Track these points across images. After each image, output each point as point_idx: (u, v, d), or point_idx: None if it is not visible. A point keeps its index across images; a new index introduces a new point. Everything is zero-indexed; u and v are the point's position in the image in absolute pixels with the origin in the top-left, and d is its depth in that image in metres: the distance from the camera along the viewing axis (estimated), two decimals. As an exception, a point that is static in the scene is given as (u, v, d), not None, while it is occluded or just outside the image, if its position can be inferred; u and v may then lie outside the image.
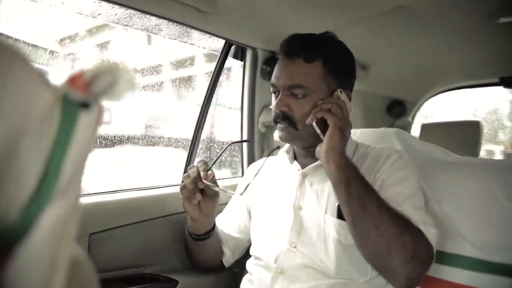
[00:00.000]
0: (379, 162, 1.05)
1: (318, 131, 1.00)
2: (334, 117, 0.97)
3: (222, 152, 1.21)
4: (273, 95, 1.10)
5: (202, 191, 1.12)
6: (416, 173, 1.04)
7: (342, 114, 0.98)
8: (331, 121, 0.97)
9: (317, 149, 1.00)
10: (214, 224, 1.23)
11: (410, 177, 1.01)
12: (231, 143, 1.30)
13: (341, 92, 1.03)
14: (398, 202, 0.92)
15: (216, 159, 1.18)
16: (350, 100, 1.06)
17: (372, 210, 0.87)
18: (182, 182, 1.12)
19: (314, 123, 0.99)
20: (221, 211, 1.34)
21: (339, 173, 0.93)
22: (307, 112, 1.01)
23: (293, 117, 1.03)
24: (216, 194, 1.15)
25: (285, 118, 1.03)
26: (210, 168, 1.11)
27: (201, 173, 1.09)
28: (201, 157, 1.76)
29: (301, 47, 1.04)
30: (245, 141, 1.30)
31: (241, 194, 1.14)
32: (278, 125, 1.07)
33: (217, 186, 1.11)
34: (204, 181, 1.09)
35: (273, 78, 1.08)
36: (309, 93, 1.02)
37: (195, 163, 1.13)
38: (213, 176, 1.12)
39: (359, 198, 0.89)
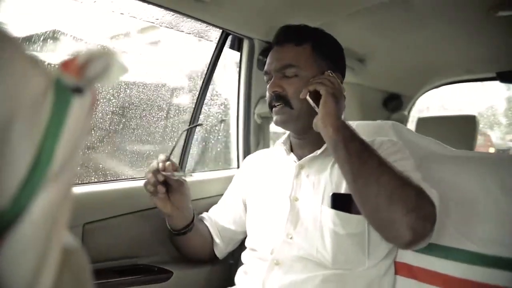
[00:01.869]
0: None
1: (313, 103, 1.01)
2: (326, 86, 0.99)
3: (177, 142, 1.17)
4: (268, 84, 1.12)
5: (167, 184, 1.10)
6: (410, 157, 1.04)
7: (333, 85, 1.00)
8: (323, 90, 0.98)
9: (314, 120, 1.00)
10: (193, 219, 1.20)
11: (404, 158, 1.02)
12: (186, 129, 1.27)
13: (331, 73, 1.06)
14: None
15: (172, 150, 1.13)
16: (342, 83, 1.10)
17: (373, 164, 0.87)
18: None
19: (307, 97, 1.01)
20: (216, 203, 1.34)
21: (336, 133, 0.93)
22: (300, 89, 1.03)
23: (286, 96, 1.07)
24: (181, 185, 1.13)
25: (279, 98, 1.07)
26: (169, 158, 1.09)
27: (160, 164, 1.07)
28: (196, 147, 1.75)
29: (291, 34, 1.11)
30: (198, 125, 1.28)
31: (184, 177, 1.11)
32: (274, 109, 1.10)
33: (183, 175, 1.09)
34: (162, 172, 1.06)
35: (265, 66, 1.13)
36: (300, 72, 1.07)
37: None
38: (176, 166, 1.10)
39: (358, 155, 0.89)
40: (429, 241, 0.91)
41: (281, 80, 1.08)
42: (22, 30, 1.21)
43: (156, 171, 1.07)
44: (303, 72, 1.06)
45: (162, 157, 1.08)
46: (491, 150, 4.52)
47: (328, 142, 0.96)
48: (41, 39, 1.23)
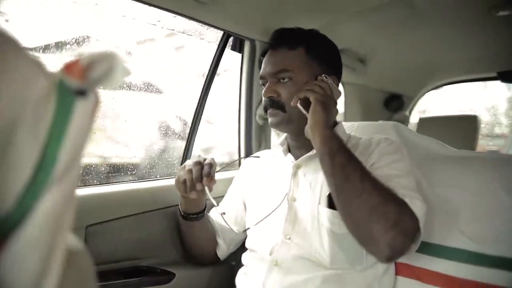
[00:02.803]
0: (370, 148, 1.06)
1: (303, 111, 1.02)
2: (315, 94, 1.00)
3: (226, 165, 1.18)
4: (263, 88, 1.13)
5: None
6: (406, 158, 1.04)
7: (323, 92, 1.01)
8: (312, 97, 0.99)
9: (306, 127, 1.01)
10: (205, 209, 1.22)
11: (399, 160, 1.01)
12: (242, 158, 1.28)
13: (326, 77, 1.06)
14: (385, 180, 0.91)
15: (219, 170, 1.13)
16: (338, 87, 1.11)
17: (355, 179, 0.87)
18: (186, 168, 1.09)
19: (298, 104, 1.02)
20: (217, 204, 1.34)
21: (323, 145, 0.93)
22: (294, 93, 1.04)
23: (280, 101, 1.07)
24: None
25: (273, 104, 1.08)
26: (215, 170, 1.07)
27: (204, 179, 1.06)
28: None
29: (284, 38, 1.11)
30: (256, 156, 1.31)
31: (223, 214, 1.13)
32: (268, 112, 1.11)
33: (210, 197, 1.08)
34: (207, 191, 1.06)
35: (261, 71, 1.14)
36: (293, 77, 1.07)
37: (201, 159, 1.10)
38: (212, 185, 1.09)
39: (342, 169, 0.89)
40: (415, 250, 0.90)
41: (276, 85, 1.08)
42: (51, 36, 1.26)
43: (199, 179, 1.06)
44: (297, 76, 1.07)
45: (209, 168, 1.06)
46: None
47: (316, 152, 0.97)
48: (71, 44, 1.29)
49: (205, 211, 1.23)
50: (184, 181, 1.09)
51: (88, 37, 1.31)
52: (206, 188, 1.06)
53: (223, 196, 1.35)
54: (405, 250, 0.85)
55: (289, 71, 1.07)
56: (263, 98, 1.12)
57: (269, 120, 1.11)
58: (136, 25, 1.39)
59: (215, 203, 1.09)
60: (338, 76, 1.14)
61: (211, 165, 1.08)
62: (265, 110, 1.12)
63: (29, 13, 1.15)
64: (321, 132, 0.95)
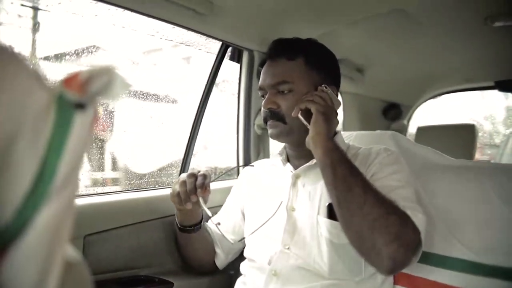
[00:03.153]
0: (369, 158, 1.06)
1: (305, 121, 1.02)
2: (316, 104, 1.00)
3: (223, 174, 1.19)
4: (263, 99, 1.13)
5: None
6: (406, 169, 1.04)
7: (324, 103, 1.01)
8: (314, 108, 0.99)
9: (307, 139, 1.01)
10: (201, 221, 1.22)
11: (399, 171, 1.01)
12: (240, 167, 1.29)
13: (326, 87, 1.06)
14: (385, 192, 0.90)
15: (215, 179, 1.15)
16: (337, 97, 1.11)
17: (357, 191, 0.87)
18: (180, 180, 1.11)
19: (299, 115, 1.02)
20: (215, 213, 1.34)
21: (325, 156, 0.93)
22: (294, 105, 1.04)
23: (281, 112, 1.07)
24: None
25: (273, 115, 1.08)
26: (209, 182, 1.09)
27: (198, 190, 1.07)
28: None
29: (283, 48, 1.10)
30: (250, 165, 1.32)
31: (218, 224, 1.12)
32: (268, 123, 1.11)
33: (205, 207, 1.09)
34: (201, 202, 1.07)
35: (260, 82, 1.13)
36: (294, 88, 1.07)
37: (196, 171, 1.11)
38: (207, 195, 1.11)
39: (344, 180, 0.89)
40: (416, 262, 0.90)
41: (276, 96, 1.08)
42: (62, 46, 1.28)
43: (193, 191, 1.07)
44: (297, 87, 1.06)
45: (202, 179, 1.08)
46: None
47: (318, 163, 0.97)
48: (80, 54, 1.32)
49: (202, 223, 1.23)
50: (179, 194, 1.09)
51: (88, 48, 1.32)
52: (201, 199, 1.07)
53: (220, 206, 1.35)
54: (406, 263, 0.85)
55: (289, 82, 1.06)
56: (262, 109, 1.12)
57: (269, 131, 1.11)
58: (137, 36, 1.40)
59: (210, 213, 1.09)
60: (337, 86, 1.14)
61: (205, 176, 1.08)
62: (265, 121, 1.12)
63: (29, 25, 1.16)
64: (323, 144, 0.95)
